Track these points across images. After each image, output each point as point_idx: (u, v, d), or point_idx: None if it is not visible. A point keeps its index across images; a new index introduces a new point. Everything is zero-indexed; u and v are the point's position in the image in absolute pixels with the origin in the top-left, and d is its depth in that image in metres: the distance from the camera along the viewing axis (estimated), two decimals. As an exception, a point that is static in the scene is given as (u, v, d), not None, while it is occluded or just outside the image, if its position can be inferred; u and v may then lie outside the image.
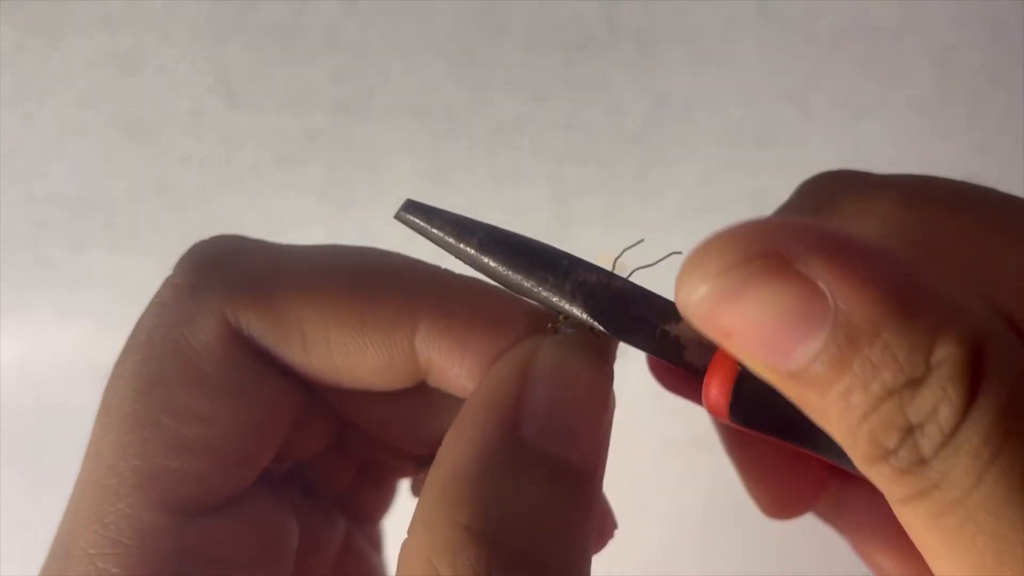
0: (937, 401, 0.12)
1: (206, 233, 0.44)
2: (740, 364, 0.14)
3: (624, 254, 0.16)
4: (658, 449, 0.43)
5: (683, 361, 0.15)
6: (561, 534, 0.13)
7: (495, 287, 0.15)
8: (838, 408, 0.12)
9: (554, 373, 0.14)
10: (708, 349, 0.15)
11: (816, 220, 0.14)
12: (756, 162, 0.41)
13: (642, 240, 0.17)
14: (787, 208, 0.16)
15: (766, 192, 0.41)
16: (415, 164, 0.41)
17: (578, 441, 0.14)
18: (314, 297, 0.15)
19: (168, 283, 0.16)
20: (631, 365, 0.44)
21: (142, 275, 0.42)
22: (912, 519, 0.13)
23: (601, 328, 0.15)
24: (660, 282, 0.15)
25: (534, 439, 0.14)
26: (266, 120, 0.41)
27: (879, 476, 0.13)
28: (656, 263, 0.15)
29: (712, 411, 0.15)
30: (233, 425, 0.15)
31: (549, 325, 0.15)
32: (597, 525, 0.16)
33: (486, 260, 0.15)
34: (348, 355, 0.15)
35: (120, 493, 0.15)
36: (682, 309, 0.13)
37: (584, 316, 0.14)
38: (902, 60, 0.41)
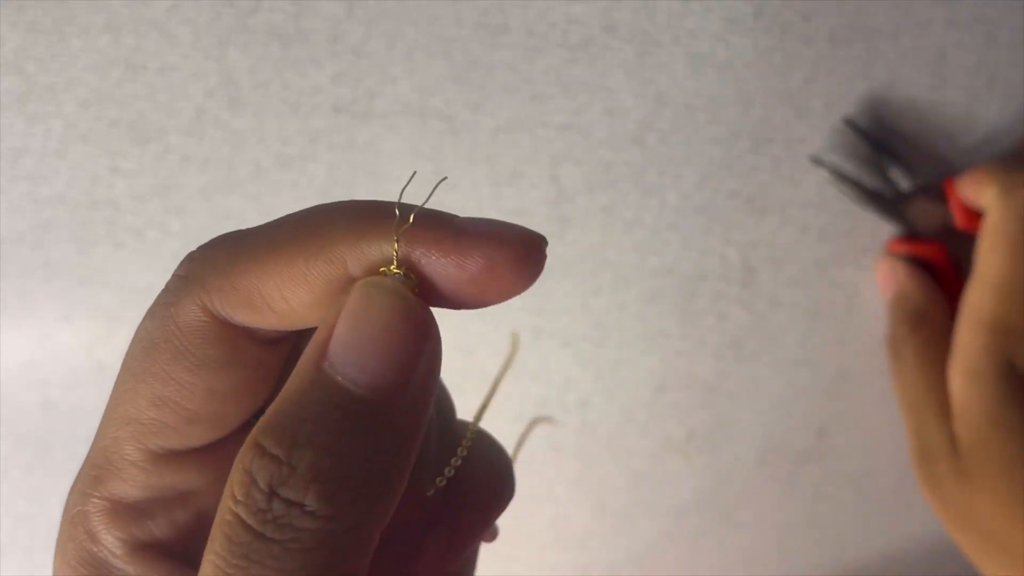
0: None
1: (208, 233, 0.45)
2: None
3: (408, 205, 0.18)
4: (657, 448, 0.44)
5: None
6: (350, 449, 0.16)
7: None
8: None
9: (353, 311, 0.16)
10: None
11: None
12: (754, 163, 0.41)
13: (415, 172, 0.20)
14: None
15: (764, 192, 0.42)
16: (416, 164, 0.41)
17: (372, 369, 0.16)
18: (263, 266, 0.18)
19: (174, 273, 0.19)
20: (630, 366, 0.44)
21: (145, 275, 0.42)
22: None
23: (413, 278, 0.17)
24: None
25: (332, 369, 0.16)
26: (268, 121, 0.41)
27: None
28: (429, 197, 0.18)
29: None
30: (204, 391, 0.18)
31: (380, 271, 0.17)
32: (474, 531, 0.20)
33: None
34: (302, 305, 0.18)
35: (112, 428, 0.19)
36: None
37: (400, 271, 0.17)
38: (898, 62, 0.41)
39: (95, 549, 0.19)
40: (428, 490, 0.20)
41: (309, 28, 0.41)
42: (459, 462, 0.20)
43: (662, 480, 0.44)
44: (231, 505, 0.16)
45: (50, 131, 0.41)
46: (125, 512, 0.19)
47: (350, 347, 0.16)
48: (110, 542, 0.19)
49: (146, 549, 0.19)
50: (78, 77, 0.41)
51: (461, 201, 0.41)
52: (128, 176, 0.42)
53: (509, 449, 0.23)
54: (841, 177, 0.40)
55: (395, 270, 0.17)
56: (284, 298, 0.18)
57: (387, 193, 0.42)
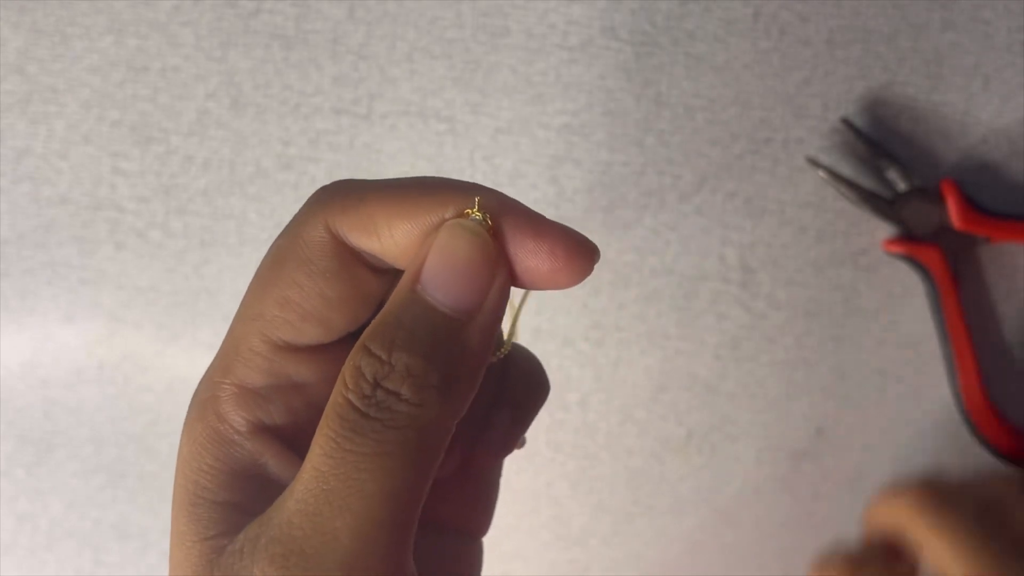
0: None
1: (210, 233, 0.45)
2: None
3: None
4: (656, 447, 0.44)
5: None
6: (436, 355, 0.20)
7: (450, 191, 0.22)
8: None
9: (440, 244, 0.21)
10: None
11: None
12: (753, 163, 0.42)
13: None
14: None
15: (763, 193, 0.42)
16: (416, 165, 0.42)
17: (455, 293, 0.20)
18: (382, 202, 0.21)
19: (307, 201, 0.23)
20: (630, 366, 0.44)
21: (147, 276, 0.42)
22: None
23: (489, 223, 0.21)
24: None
25: (424, 291, 0.20)
26: (269, 122, 0.41)
27: None
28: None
29: None
30: (318, 295, 0.22)
31: (465, 211, 0.21)
32: (504, 432, 0.25)
33: None
34: (403, 237, 0.21)
35: (241, 324, 0.22)
36: None
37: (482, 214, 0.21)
38: (895, 63, 0.41)
39: (222, 427, 0.22)
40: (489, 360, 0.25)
41: (310, 30, 0.41)
42: (511, 343, 0.25)
43: (661, 479, 0.44)
44: (343, 391, 0.20)
45: (52, 132, 0.42)
46: (250, 397, 0.22)
47: (438, 273, 0.20)
48: (236, 421, 0.22)
49: (264, 431, 0.22)
50: (80, 78, 0.41)
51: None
52: (130, 177, 0.42)
53: None
54: (837, 177, 0.40)
55: (476, 213, 0.21)
56: (390, 226, 0.21)
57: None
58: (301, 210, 0.23)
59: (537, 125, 0.41)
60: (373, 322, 0.20)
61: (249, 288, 0.23)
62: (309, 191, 0.42)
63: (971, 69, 0.41)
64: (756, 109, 0.41)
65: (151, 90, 0.41)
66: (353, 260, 0.22)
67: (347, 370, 0.20)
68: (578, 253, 0.22)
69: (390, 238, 0.21)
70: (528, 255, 0.21)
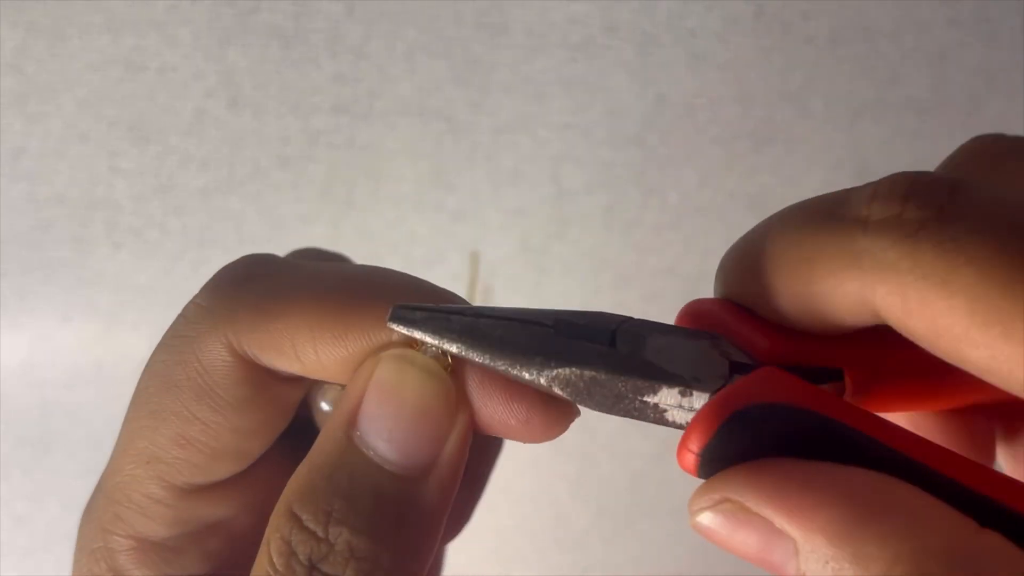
0: None
1: (208, 233, 0.45)
2: (711, 430, 0.15)
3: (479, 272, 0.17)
4: (657, 449, 0.44)
5: (666, 422, 0.16)
6: (383, 528, 0.16)
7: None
8: None
9: (384, 384, 0.16)
10: (687, 411, 0.16)
11: (767, 462, 0.15)
12: (754, 162, 0.41)
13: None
14: (947, 166, 0.17)
15: (765, 192, 0.42)
16: (415, 164, 0.41)
17: (403, 446, 0.16)
18: (303, 317, 0.17)
19: (193, 301, 0.18)
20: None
21: (144, 276, 0.42)
22: None
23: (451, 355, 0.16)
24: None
25: (362, 441, 0.16)
26: (268, 121, 0.41)
27: None
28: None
29: (683, 468, 0.16)
30: (228, 430, 0.18)
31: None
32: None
33: (470, 357, 0.16)
34: (332, 361, 0.17)
35: (131, 465, 0.18)
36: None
37: (443, 345, 0.16)
38: (899, 61, 0.41)
39: None
40: None
41: (309, 28, 0.41)
42: None
43: (662, 481, 0.44)
44: (269, 570, 0.16)
45: (49, 131, 0.41)
46: (154, 551, 0.18)
47: (381, 421, 0.16)
48: None
49: None
50: (78, 77, 0.41)
51: (461, 201, 0.41)
52: (127, 176, 0.42)
53: None
54: None
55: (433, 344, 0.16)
56: (316, 351, 0.17)
57: (387, 193, 0.42)
58: (191, 317, 0.18)
59: (537, 124, 0.41)
60: (300, 475, 0.16)
61: (132, 414, 0.18)
62: (308, 191, 0.42)
63: (975, 67, 0.41)
64: (758, 108, 0.41)
65: (149, 89, 0.41)
66: (267, 379, 0.18)
67: (273, 543, 0.16)
68: (557, 416, 0.17)
69: (315, 362, 0.17)
70: (496, 408, 0.17)
